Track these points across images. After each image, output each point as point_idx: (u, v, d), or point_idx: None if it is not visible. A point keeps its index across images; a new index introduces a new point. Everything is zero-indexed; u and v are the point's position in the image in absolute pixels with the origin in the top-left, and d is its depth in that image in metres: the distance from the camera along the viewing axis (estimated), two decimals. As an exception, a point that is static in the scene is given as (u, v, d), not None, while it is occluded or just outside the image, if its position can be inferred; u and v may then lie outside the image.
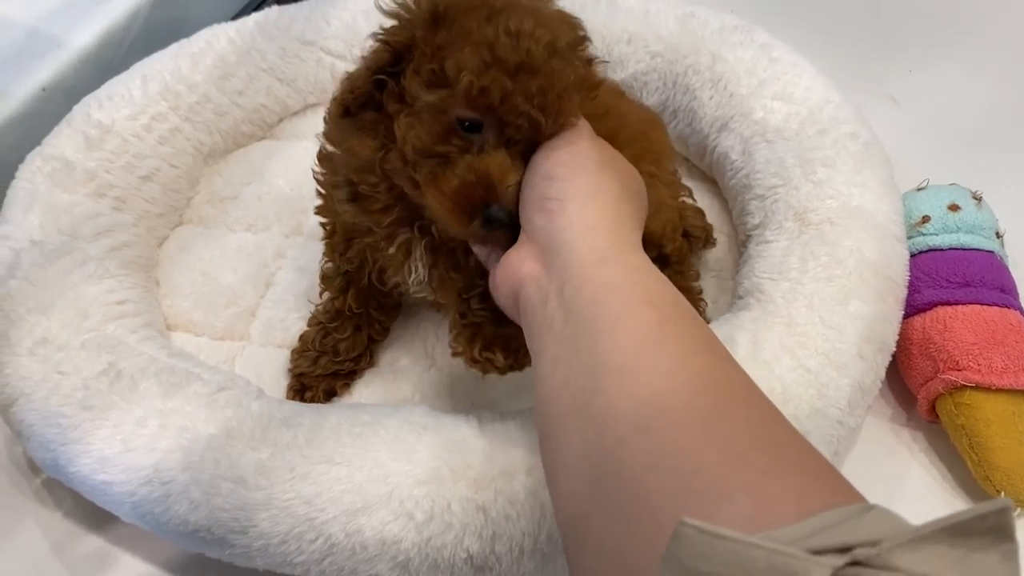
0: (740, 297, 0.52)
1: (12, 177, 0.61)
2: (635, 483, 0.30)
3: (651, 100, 0.65)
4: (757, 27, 0.63)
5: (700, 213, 0.60)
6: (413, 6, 0.40)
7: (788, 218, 0.53)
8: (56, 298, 0.53)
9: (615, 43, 0.65)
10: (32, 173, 0.60)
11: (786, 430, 0.31)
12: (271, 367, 0.57)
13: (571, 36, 0.41)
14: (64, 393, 0.49)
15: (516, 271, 0.39)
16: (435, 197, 0.40)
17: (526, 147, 0.40)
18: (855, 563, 0.24)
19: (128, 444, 0.47)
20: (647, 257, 0.38)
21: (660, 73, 0.64)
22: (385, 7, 0.41)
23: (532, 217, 0.39)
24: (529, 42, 0.38)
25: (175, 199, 0.65)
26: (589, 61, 0.42)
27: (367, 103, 0.42)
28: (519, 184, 0.40)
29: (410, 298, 0.54)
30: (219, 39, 0.68)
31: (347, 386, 0.56)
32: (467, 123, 0.39)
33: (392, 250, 0.46)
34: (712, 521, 0.25)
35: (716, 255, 0.60)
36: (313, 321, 0.57)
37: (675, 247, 0.54)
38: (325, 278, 0.55)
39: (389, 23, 0.41)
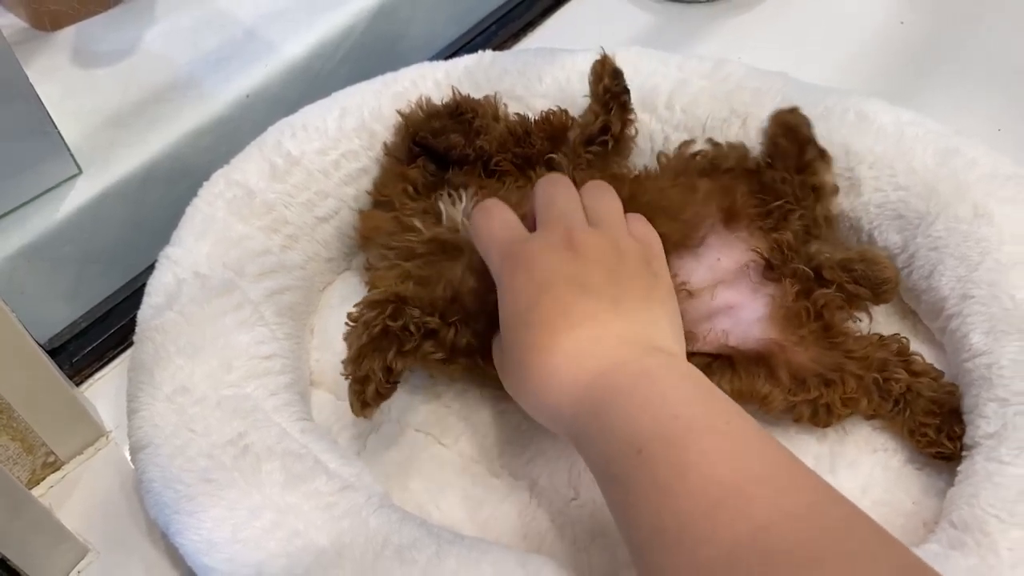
0: (953, 526, 0.43)
1: (197, 180, 0.60)
2: None
3: (882, 239, 0.56)
4: (1038, 181, 0.53)
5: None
6: None
7: (1035, 440, 0.44)
8: (206, 343, 0.51)
9: (858, 163, 0.56)
10: (214, 196, 0.58)
11: (861, 521, 0.31)
12: (402, 454, 0.53)
13: None
14: (189, 456, 0.47)
15: None
16: None
17: None
18: None
19: (237, 533, 0.44)
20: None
21: (898, 210, 0.55)
22: None
23: None
24: None
25: (348, 245, 0.62)
26: None
27: None
28: None
29: None
30: (425, 80, 0.64)
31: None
32: None
33: None
34: None
35: (928, 444, 0.51)
36: None
37: None
38: None
39: None
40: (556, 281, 0.42)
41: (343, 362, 0.47)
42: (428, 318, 0.47)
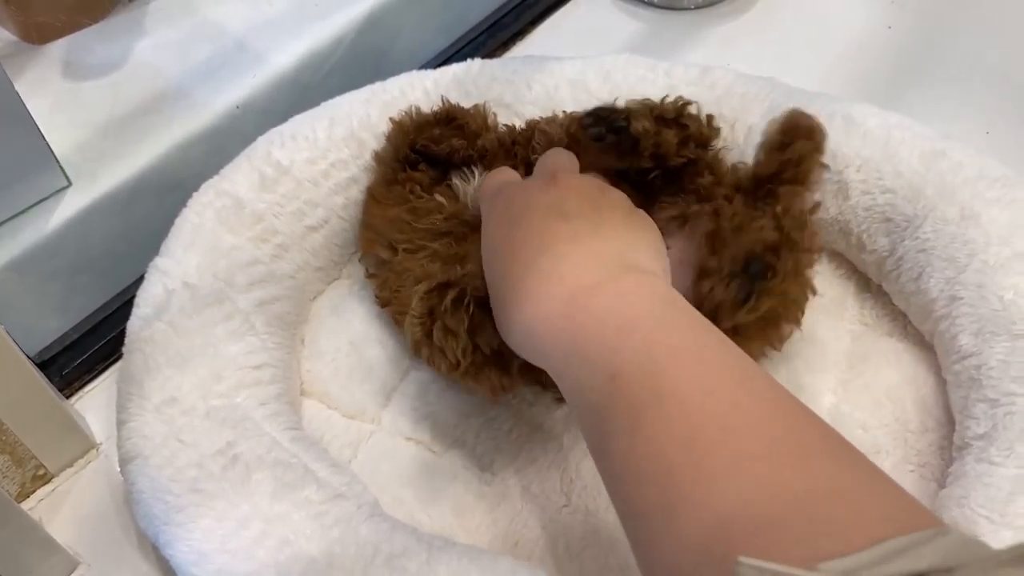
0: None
1: (187, 191, 0.60)
2: None
3: (870, 242, 0.56)
4: (1024, 182, 0.53)
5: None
6: None
7: (1024, 441, 0.44)
8: (195, 353, 0.51)
9: (845, 166, 0.56)
10: (203, 206, 0.58)
11: (850, 452, 0.29)
12: (393, 463, 0.53)
13: None
14: (178, 466, 0.46)
15: None
16: None
17: None
18: None
19: (226, 543, 0.43)
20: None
21: (886, 213, 0.55)
22: None
23: None
24: None
25: (337, 254, 0.62)
26: None
27: None
28: None
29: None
30: (414, 89, 0.64)
31: None
32: None
33: None
34: (768, 554, 0.24)
35: (919, 446, 0.51)
36: None
37: None
38: None
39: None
40: (534, 209, 0.41)
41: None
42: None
